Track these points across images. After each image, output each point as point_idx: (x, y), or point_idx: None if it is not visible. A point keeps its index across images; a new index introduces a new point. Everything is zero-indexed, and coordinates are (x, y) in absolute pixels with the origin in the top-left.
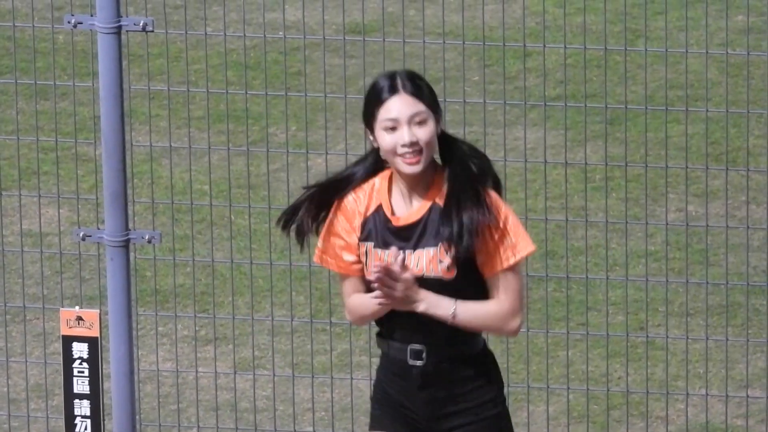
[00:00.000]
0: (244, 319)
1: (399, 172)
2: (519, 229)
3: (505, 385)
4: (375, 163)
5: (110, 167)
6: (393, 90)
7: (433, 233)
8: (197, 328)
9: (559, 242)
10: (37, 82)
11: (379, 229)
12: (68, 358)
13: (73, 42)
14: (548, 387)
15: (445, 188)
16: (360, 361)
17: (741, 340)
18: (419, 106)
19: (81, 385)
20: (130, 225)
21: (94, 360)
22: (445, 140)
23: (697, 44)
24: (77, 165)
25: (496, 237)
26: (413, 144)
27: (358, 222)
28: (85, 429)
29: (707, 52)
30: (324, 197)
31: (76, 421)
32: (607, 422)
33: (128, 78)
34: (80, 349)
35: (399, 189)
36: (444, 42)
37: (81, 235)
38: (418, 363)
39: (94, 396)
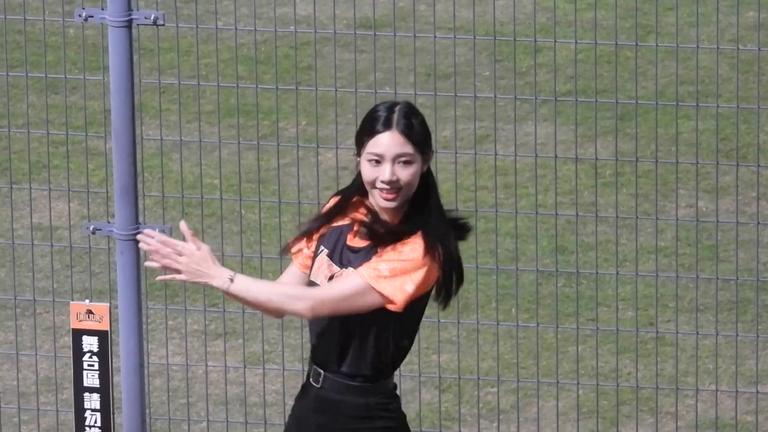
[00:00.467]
0: (254, 314)
1: (373, 202)
2: (399, 271)
3: (516, 380)
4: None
5: (120, 161)
6: (387, 125)
7: (364, 259)
8: (207, 322)
9: (569, 238)
10: (48, 76)
11: (339, 243)
12: (78, 352)
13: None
14: (558, 382)
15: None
16: None
17: (751, 336)
18: (407, 148)
19: (91, 379)
20: (140, 219)
21: (103, 353)
22: (426, 180)
23: (708, 40)
24: (87, 159)
25: (381, 255)
26: (392, 183)
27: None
28: (95, 422)
29: (718, 48)
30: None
31: (85, 415)
32: (616, 418)
33: (139, 72)
34: (90, 343)
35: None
36: (455, 37)
37: (91, 228)
38: (315, 385)
39: (104, 389)
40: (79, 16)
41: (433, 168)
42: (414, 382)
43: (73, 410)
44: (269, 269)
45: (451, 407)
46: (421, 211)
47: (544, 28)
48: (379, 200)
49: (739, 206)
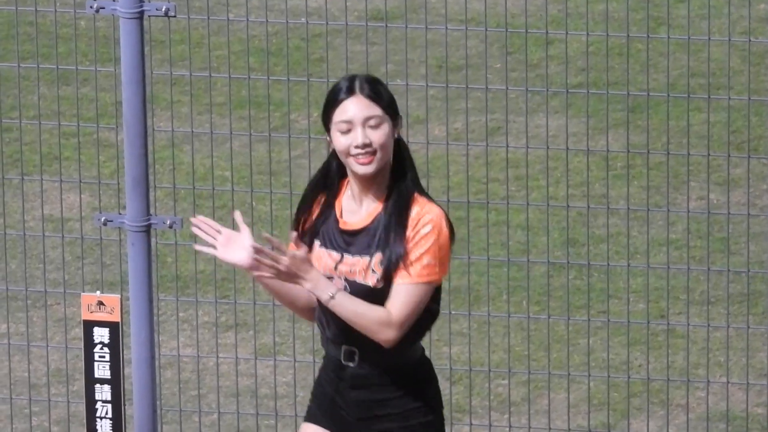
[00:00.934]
0: (265, 305)
1: (352, 174)
2: (438, 253)
3: (527, 372)
4: (338, 167)
5: (132, 153)
6: (350, 92)
7: (372, 244)
8: (218, 314)
9: (580, 230)
10: (59, 68)
11: (329, 230)
12: (89, 343)
13: (95, 27)
14: (569, 374)
15: (392, 198)
16: None
17: (762, 328)
18: (375, 110)
19: (102, 370)
20: (152, 210)
21: (114, 345)
22: (399, 149)
23: (720, 32)
24: (99, 150)
25: (413, 251)
26: (366, 146)
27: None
28: (106, 414)
29: (729, 40)
30: (303, 206)
31: (96, 406)
32: (627, 410)
33: (150, 63)
34: (101, 334)
35: (352, 191)
36: (466, 29)
37: (102, 220)
38: (351, 364)
39: (115, 381)
40: (91, 7)
41: (444, 160)
42: None
43: (84, 402)
44: None
45: (462, 399)
46: (404, 177)
47: (555, 20)
48: (356, 167)
49: (750, 198)
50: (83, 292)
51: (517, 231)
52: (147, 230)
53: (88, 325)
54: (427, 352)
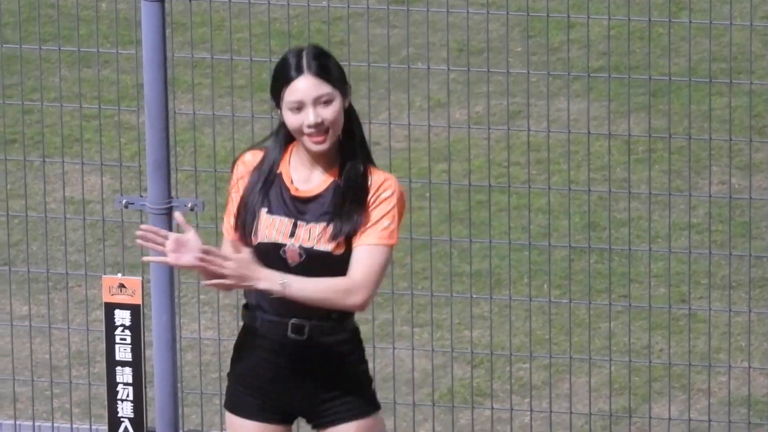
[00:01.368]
0: None
1: (305, 149)
2: (396, 218)
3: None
4: (286, 136)
5: (153, 135)
6: (299, 70)
7: (328, 209)
8: (239, 297)
9: (601, 214)
10: (80, 50)
11: (277, 196)
12: (110, 326)
13: (117, 9)
14: (590, 358)
15: (347, 165)
16: (402, 331)
17: None
18: (324, 87)
19: (123, 353)
20: (173, 193)
21: (136, 327)
22: (349, 116)
23: (741, 17)
24: (120, 133)
25: (373, 214)
26: (318, 125)
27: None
28: (127, 396)
29: (752, 25)
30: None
31: (117, 388)
32: (648, 394)
33: (171, 46)
34: (122, 317)
35: (301, 159)
36: (488, 12)
37: (123, 202)
38: (300, 337)
39: (136, 363)
40: None
41: (465, 144)
42: (446, 357)
43: (105, 384)
44: None
45: (483, 383)
46: (354, 143)
47: (576, 4)
48: (310, 145)
49: None
50: (104, 274)
51: (539, 215)
52: (168, 213)
53: (110, 308)
54: (448, 336)
